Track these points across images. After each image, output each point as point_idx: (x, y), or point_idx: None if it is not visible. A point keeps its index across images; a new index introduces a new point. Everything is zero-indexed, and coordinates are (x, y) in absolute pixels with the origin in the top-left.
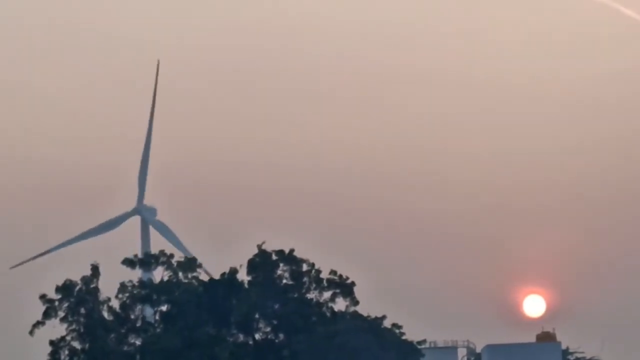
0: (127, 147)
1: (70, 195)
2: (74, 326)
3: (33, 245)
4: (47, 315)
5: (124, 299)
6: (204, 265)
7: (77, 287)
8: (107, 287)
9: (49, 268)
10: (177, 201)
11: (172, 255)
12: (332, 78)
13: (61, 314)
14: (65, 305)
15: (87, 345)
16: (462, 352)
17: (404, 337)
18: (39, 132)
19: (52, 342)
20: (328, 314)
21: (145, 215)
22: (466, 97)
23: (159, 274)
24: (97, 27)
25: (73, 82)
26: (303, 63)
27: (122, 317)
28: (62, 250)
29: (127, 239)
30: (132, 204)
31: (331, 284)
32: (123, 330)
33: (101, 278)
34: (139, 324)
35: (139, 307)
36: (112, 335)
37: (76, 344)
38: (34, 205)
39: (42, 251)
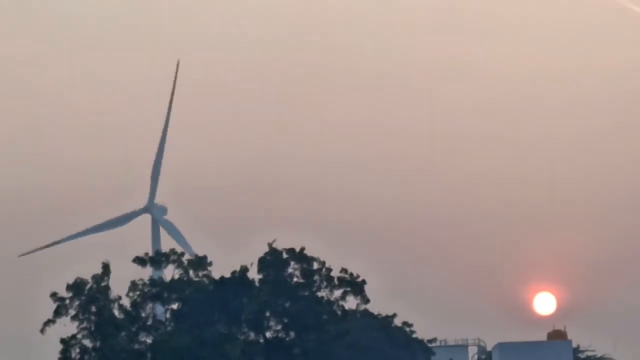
0: (142, 145)
1: (83, 193)
2: (84, 324)
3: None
4: (58, 313)
5: (135, 297)
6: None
7: (88, 286)
8: (118, 286)
9: (60, 266)
10: (187, 199)
11: (182, 254)
12: (340, 75)
13: (72, 312)
14: (76, 303)
15: (98, 344)
16: (472, 351)
17: (414, 336)
18: (51, 128)
19: (63, 340)
20: (339, 312)
21: (155, 213)
22: (478, 94)
23: (170, 272)
24: (117, 24)
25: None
26: (308, 56)
27: (132, 315)
28: (72, 247)
29: (138, 237)
30: (143, 202)
31: (342, 282)
32: (134, 329)
33: (112, 276)
34: (149, 322)
35: (149, 305)
36: (123, 334)
37: (87, 342)
38: (45, 203)
39: (51, 242)
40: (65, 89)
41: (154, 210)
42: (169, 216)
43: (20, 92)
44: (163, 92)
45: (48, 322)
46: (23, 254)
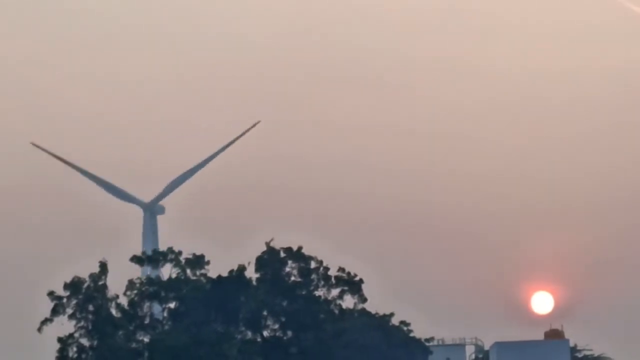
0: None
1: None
2: (82, 323)
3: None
4: (55, 312)
5: (132, 296)
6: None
7: (86, 284)
8: (115, 284)
9: (58, 265)
10: (186, 198)
11: (180, 253)
12: (340, 76)
13: (69, 311)
14: (74, 302)
15: (95, 342)
16: (470, 350)
17: (412, 335)
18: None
19: (60, 339)
20: (336, 311)
21: (148, 212)
22: (478, 94)
23: (167, 271)
24: (117, 24)
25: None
26: (308, 56)
27: (130, 314)
28: (71, 246)
29: (136, 236)
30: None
31: (339, 281)
32: (131, 327)
33: (109, 275)
34: (147, 321)
35: (147, 304)
36: (120, 332)
37: (84, 341)
38: (45, 202)
39: (64, 159)
40: (65, 89)
41: (150, 209)
42: (168, 215)
43: (20, 92)
44: (163, 91)
45: (45, 321)
46: (36, 145)
